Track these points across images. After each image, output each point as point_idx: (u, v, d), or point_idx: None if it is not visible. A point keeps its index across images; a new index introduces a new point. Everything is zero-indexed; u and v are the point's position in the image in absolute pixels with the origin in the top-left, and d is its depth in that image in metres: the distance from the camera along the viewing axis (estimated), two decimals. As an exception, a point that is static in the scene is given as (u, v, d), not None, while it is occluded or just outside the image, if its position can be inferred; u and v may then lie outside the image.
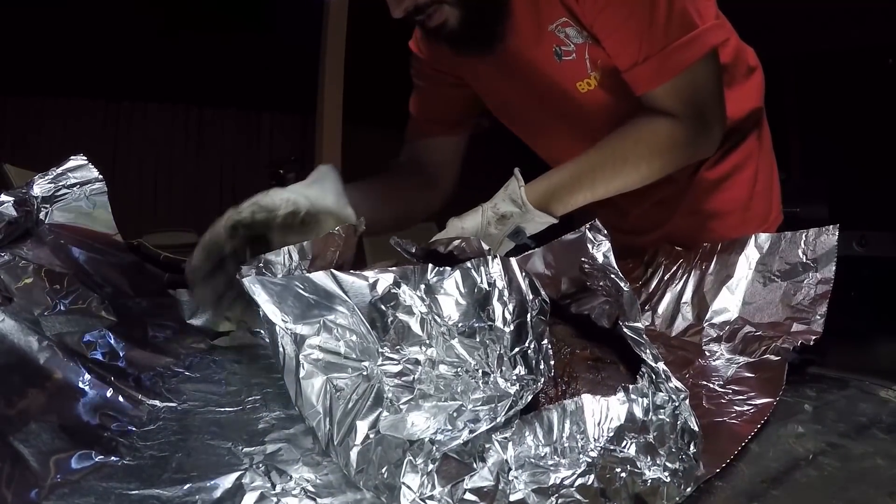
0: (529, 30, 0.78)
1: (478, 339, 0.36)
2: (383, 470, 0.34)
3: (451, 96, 0.96)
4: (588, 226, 0.53)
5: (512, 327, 0.37)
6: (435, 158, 1.00)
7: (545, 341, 0.37)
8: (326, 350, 0.40)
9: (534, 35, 0.79)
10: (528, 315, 0.38)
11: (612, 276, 0.47)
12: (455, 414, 0.34)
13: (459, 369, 0.36)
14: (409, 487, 0.32)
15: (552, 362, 0.38)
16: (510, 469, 0.32)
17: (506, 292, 0.38)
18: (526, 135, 0.97)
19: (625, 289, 0.44)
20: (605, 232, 0.51)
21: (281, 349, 0.43)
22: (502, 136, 1.00)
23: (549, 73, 0.81)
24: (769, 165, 0.98)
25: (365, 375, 0.38)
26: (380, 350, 0.38)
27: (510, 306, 0.38)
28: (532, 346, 0.37)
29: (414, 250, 0.76)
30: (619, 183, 0.75)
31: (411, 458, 0.33)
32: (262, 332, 0.57)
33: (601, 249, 0.50)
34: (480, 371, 0.36)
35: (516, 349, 0.36)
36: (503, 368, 0.35)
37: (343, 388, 0.38)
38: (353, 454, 0.36)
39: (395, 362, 0.36)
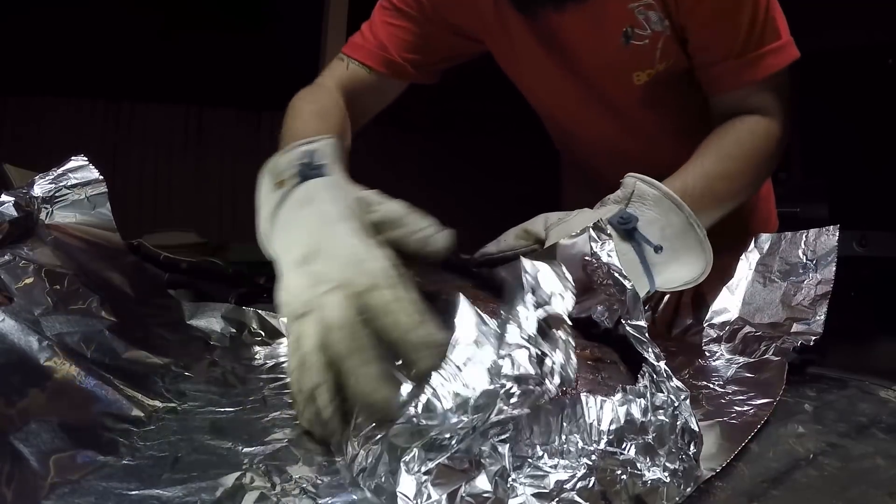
0: (599, 2, 0.71)
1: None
2: (381, 473, 0.34)
3: (442, 42, 0.85)
4: (592, 225, 0.53)
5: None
6: (366, 94, 0.87)
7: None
8: None
9: (603, 8, 0.71)
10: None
11: (616, 274, 0.47)
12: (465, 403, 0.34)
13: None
14: (405, 496, 0.32)
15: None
16: (509, 474, 0.32)
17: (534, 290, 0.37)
18: (547, 108, 0.90)
19: (628, 286, 0.44)
20: (609, 231, 0.51)
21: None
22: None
23: (609, 54, 0.73)
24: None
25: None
26: None
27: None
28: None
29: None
30: (743, 194, 0.68)
31: (408, 461, 0.32)
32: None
33: (605, 248, 0.50)
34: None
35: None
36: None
37: None
38: (363, 452, 0.36)
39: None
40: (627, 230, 0.53)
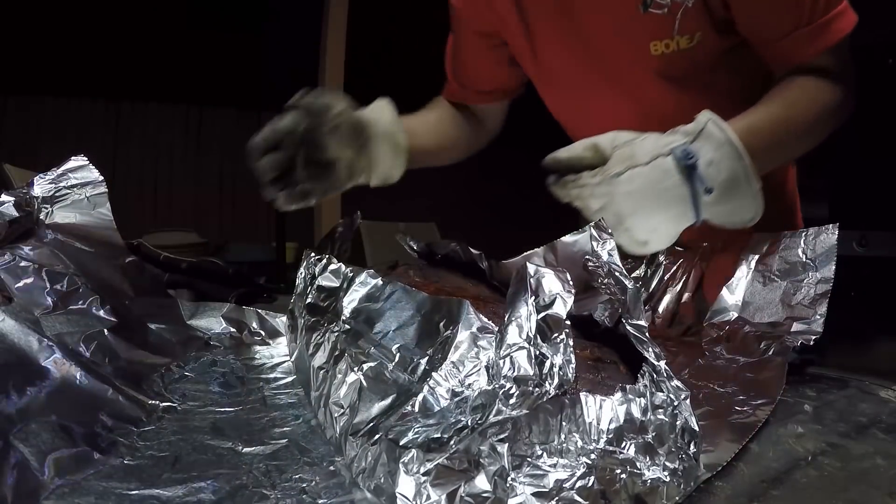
0: None
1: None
2: (380, 474, 0.34)
3: (494, 68, 0.91)
4: (593, 224, 0.53)
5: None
6: (477, 111, 0.98)
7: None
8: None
9: None
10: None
11: (617, 273, 0.47)
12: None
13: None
14: (404, 496, 0.32)
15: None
16: (508, 473, 0.32)
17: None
18: (564, 100, 0.90)
19: (629, 286, 0.44)
20: (610, 230, 0.51)
21: (319, 337, 0.44)
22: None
23: (623, 19, 0.72)
24: (793, 175, 0.93)
25: (401, 384, 0.38)
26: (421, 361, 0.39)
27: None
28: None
29: (416, 247, 0.76)
30: (806, 143, 0.68)
31: (407, 462, 0.32)
32: (296, 312, 0.57)
33: (606, 248, 0.50)
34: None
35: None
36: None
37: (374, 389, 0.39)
38: (363, 452, 0.36)
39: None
40: (688, 166, 0.55)
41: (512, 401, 0.33)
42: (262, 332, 0.69)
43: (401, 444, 0.33)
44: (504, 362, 0.34)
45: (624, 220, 0.57)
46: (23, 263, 0.52)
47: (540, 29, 0.81)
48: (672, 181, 0.55)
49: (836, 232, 0.63)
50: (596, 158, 0.59)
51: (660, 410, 0.35)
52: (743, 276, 0.68)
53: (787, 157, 0.66)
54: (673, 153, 0.55)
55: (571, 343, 0.35)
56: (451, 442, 0.32)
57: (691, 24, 0.70)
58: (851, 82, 0.69)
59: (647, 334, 0.40)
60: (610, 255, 0.49)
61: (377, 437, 0.36)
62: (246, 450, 0.42)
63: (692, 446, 0.36)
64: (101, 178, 0.63)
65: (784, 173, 0.89)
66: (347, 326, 0.46)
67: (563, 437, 0.33)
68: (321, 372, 0.46)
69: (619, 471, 0.33)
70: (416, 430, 0.34)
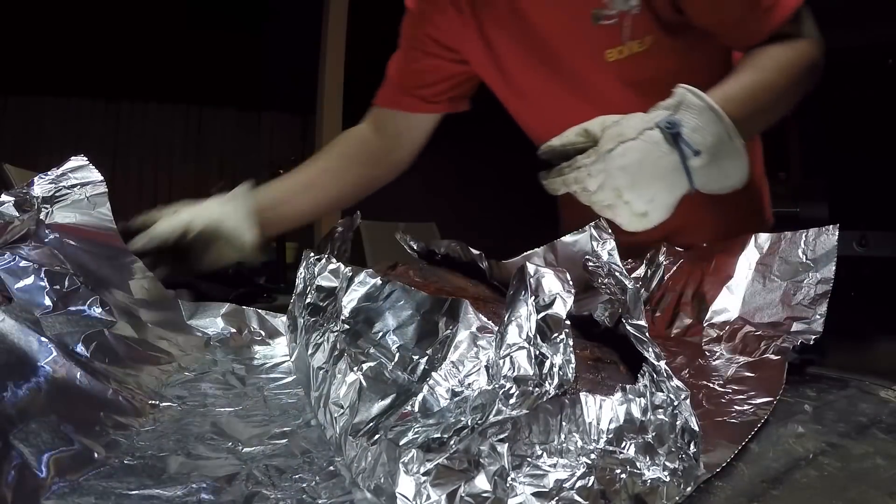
0: None
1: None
2: (380, 474, 0.34)
3: (443, 71, 0.93)
4: (593, 224, 0.53)
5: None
6: (403, 129, 0.98)
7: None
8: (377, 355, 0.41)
9: None
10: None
11: (617, 273, 0.47)
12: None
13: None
14: (404, 496, 0.32)
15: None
16: (508, 473, 0.32)
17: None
18: (527, 111, 0.93)
19: (629, 286, 0.44)
20: (610, 230, 0.51)
21: (318, 337, 0.44)
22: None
23: (578, 32, 0.77)
24: (760, 160, 0.96)
25: (400, 384, 0.38)
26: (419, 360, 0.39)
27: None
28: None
29: (416, 247, 0.76)
30: (783, 104, 0.70)
31: (407, 462, 0.32)
32: (295, 312, 0.57)
33: (606, 248, 0.50)
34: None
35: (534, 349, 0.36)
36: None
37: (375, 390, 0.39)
38: (362, 452, 0.36)
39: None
40: (673, 134, 0.58)
41: (512, 401, 0.32)
42: (262, 332, 0.70)
43: (401, 444, 0.33)
44: (504, 362, 0.34)
45: (623, 194, 0.58)
46: (23, 263, 0.52)
47: (501, 45, 0.86)
48: (662, 150, 0.58)
49: (837, 232, 0.63)
50: (588, 142, 0.62)
51: (660, 410, 0.35)
52: (743, 276, 0.68)
53: (765, 119, 0.69)
54: (658, 125, 0.58)
55: (571, 343, 0.35)
56: (451, 442, 0.32)
57: (639, 29, 0.74)
58: (816, 42, 0.72)
59: (647, 334, 0.40)
60: (610, 255, 0.49)
61: (377, 437, 0.36)
62: (246, 450, 0.42)
63: (692, 446, 0.36)
64: (101, 178, 0.63)
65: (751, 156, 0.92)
66: (347, 326, 0.46)
67: (563, 437, 0.33)
68: (321, 372, 0.46)
69: (619, 471, 0.33)
70: (416, 430, 0.34)
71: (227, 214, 0.82)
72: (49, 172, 0.62)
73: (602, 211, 0.61)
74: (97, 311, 0.54)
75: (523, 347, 0.34)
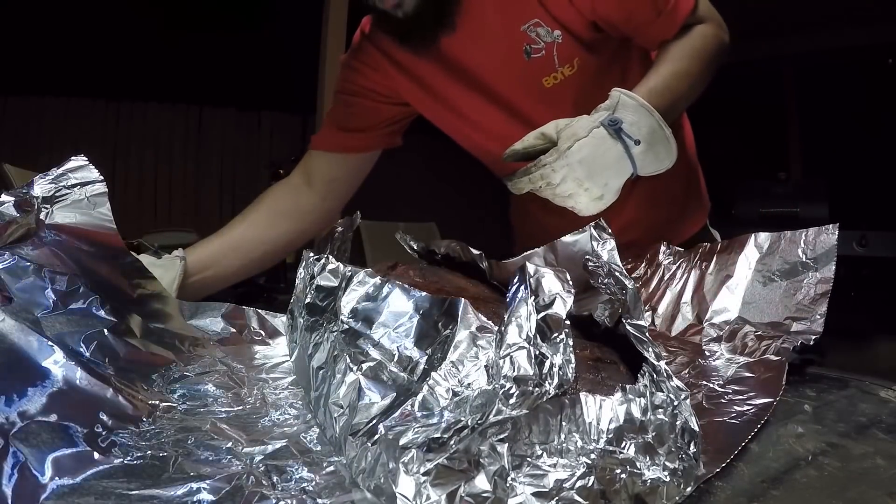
0: (494, 29, 0.85)
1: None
2: (380, 474, 0.34)
3: (382, 112, 0.98)
4: (592, 224, 0.53)
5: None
6: (338, 174, 1.01)
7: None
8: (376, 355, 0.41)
9: (500, 34, 0.85)
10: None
11: (617, 273, 0.47)
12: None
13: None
14: (404, 496, 0.32)
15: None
16: (508, 473, 0.32)
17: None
18: (472, 138, 0.99)
19: (629, 286, 0.44)
20: (610, 231, 0.51)
21: (318, 337, 0.44)
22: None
23: (515, 70, 0.87)
24: (691, 143, 1.06)
25: (400, 384, 0.38)
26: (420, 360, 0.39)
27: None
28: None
29: (416, 247, 0.76)
30: (699, 85, 0.79)
31: (407, 462, 0.32)
32: (295, 312, 0.57)
33: (606, 248, 0.50)
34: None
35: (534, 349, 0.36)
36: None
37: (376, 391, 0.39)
38: (362, 452, 0.36)
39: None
40: (615, 129, 0.67)
41: (512, 401, 0.32)
42: (262, 332, 0.69)
43: (401, 444, 0.33)
44: (504, 362, 0.34)
45: (583, 183, 0.66)
46: (23, 263, 0.52)
47: (437, 84, 0.93)
48: (608, 143, 0.66)
49: (836, 232, 0.63)
50: (546, 143, 0.69)
51: (660, 410, 0.35)
52: (743, 276, 0.68)
53: (685, 102, 0.78)
54: (602, 123, 0.67)
55: (571, 343, 0.35)
56: (451, 442, 0.32)
57: (567, 55, 0.85)
58: (718, 22, 0.84)
59: (647, 334, 0.40)
60: (610, 255, 0.49)
61: (377, 437, 0.36)
62: (246, 450, 0.42)
63: (692, 446, 0.36)
64: (101, 178, 0.63)
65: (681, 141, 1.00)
66: (346, 326, 0.46)
67: (563, 437, 0.33)
68: (320, 372, 0.46)
69: (619, 471, 0.33)
70: (416, 429, 0.34)
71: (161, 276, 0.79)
72: (49, 172, 0.62)
73: (563, 201, 0.68)
74: (97, 311, 0.54)
75: (523, 347, 0.34)
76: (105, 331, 0.53)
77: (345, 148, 0.99)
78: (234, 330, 0.69)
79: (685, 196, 1.05)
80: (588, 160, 0.66)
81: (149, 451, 0.41)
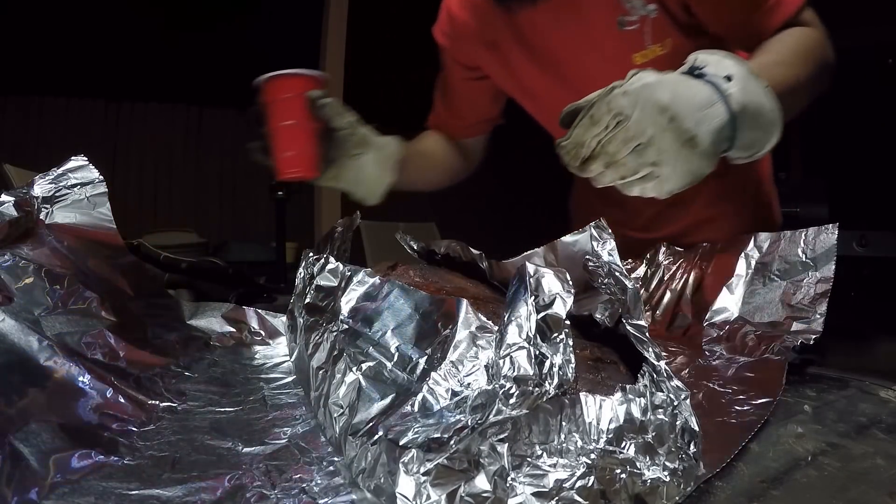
0: None
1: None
2: (380, 474, 0.34)
3: (476, 92, 1.00)
4: (593, 224, 0.53)
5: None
6: (463, 143, 1.07)
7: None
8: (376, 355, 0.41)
9: (590, 3, 0.80)
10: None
11: (617, 273, 0.47)
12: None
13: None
14: (404, 496, 0.32)
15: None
16: (508, 473, 0.32)
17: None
18: (549, 116, 0.98)
19: (629, 286, 0.44)
20: (610, 231, 0.51)
21: (318, 337, 0.44)
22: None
23: (606, 41, 0.81)
24: (768, 162, 1.00)
25: (400, 384, 0.38)
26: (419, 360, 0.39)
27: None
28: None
29: (416, 247, 0.76)
30: (802, 88, 0.65)
31: (407, 462, 0.32)
32: (295, 312, 0.57)
33: (606, 248, 0.50)
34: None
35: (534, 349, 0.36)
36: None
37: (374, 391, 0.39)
38: (362, 452, 0.36)
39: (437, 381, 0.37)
40: (697, 73, 0.55)
41: (512, 401, 0.32)
42: (262, 332, 0.69)
43: (401, 444, 0.33)
44: (504, 362, 0.34)
45: (668, 108, 0.52)
46: (23, 263, 0.52)
47: (515, 59, 0.91)
48: (692, 82, 0.54)
49: (836, 232, 0.63)
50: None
51: (660, 410, 0.35)
52: (743, 276, 0.68)
53: (790, 97, 0.62)
54: (682, 71, 0.56)
55: (571, 343, 0.35)
56: (451, 442, 0.32)
57: (660, 33, 0.78)
58: (825, 34, 0.71)
59: (647, 334, 0.40)
60: (610, 255, 0.49)
61: (377, 436, 0.36)
62: (246, 450, 0.42)
63: (692, 446, 0.36)
64: (101, 178, 0.63)
65: (759, 167, 0.96)
66: (346, 326, 0.46)
67: (563, 437, 0.33)
68: (320, 372, 0.46)
69: (619, 471, 0.33)
70: (416, 429, 0.34)
71: (385, 143, 0.85)
72: (49, 172, 0.62)
73: (641, 157, 0.52)
74: (97, 311, 0.54)
75: (523, 347, 0.34)
76: (105, 331, 0.53)
77: (450, 132, 1.05)
78: (234, 330, 0.69)
79: (755, 205, 0.96)
80: (669, 84, 0.53)
81: (149, 452, 0.41)
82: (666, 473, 0.34)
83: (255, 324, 0.70)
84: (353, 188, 0.85)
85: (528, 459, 0.32)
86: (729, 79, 0.54)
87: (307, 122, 0.76)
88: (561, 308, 0.36)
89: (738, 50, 0.76)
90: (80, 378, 0.45)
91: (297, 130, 0.76)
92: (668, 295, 0.74)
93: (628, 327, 0.41)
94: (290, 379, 0.57)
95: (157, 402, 0.49)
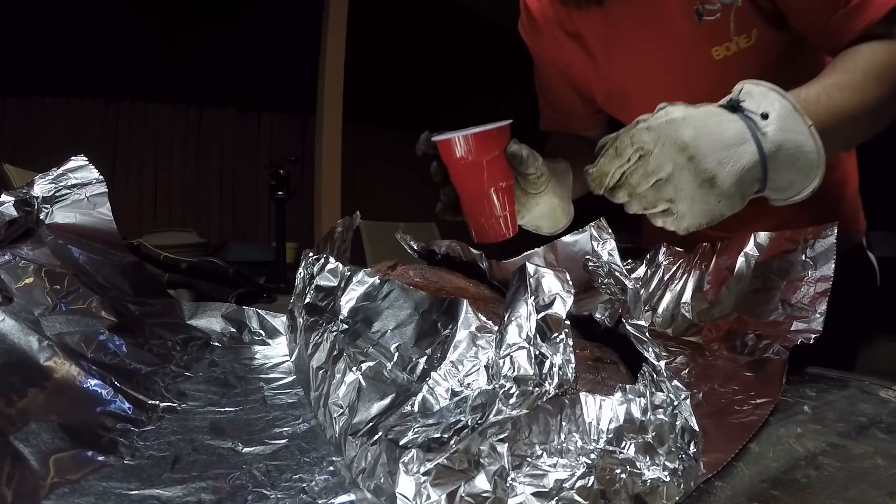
0: None
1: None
2: (380, 474, 0.34)
3: (567, 90, 0.93)
4: (593, 224, 0.53)
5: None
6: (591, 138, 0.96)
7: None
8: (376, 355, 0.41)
9: None
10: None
11: (617, 273, 0.47)
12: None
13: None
14: (404, 496, 0.32)
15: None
16: (508, 473, 0.32)
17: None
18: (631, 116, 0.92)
19: (629, 286, 0.44)
20: (610, 231, 0.51)
21: (317, 337, 0.44)
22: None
23: (681, 34, 0.74)
24: (854, 166, 0.91)
25: (399, 384, 0.38)
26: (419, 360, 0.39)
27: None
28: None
29: (416, 247, 0.76)
30: (871, 107, 0.60)
31: (407, 462, 0.32)
32: (295, 311, 0.57)
33: (606, 248, 0.50)
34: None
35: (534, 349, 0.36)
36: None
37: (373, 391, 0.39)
38: (362, 452, 0.36)
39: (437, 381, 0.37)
40: (734, 106, 0.53)
41: (512, 401, 0.32)
42: (262, 332, 0.69)
43: (401, 444, 0.33)
44: (504, 362, 0.34)
45: (687, 147, 0.51)
46: (23, 263, 0.52)
47: (598, 54, 0.84)
48: (723, 114, 0.52)
49: (835, 231, 0.63)
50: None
51: (660, 410, 0.35)
52: (743, 276, 0.68)
53: (849, 125, 0.59)
54: (720, 105, 0.53)
55: (571, 343, 0.35)
56: (451, 442, 0.32)
57: (745, 23, 0.70)
58: None
59: (647, 334, 0.40)
60: (610, 255, 0.49)
61: (377, 437, 0.36)
62: (246, 450, 0.42)
63: (692, 446, 0.36)
64: (101, 178, 0.63)
65: (842, 179, 0.88)
66: (346, 326, 0.46)
67: (563, 437, 0.33)
68: (320, 372, 0.46)
69: (619, 471, 0.33)
70: (416, 429, 0.34)
71: (562, 171, 0.76)
72: (49, 172, 0.62)
73: (659, 192, 0.52)
74: (97, 311, 0.54)
75: (523, 347, 0.34)
76: (105, 331, 0.53)
77: (564, 126, 0.97)
78: (234, 330, 0.69)
79: (838, 211, 0.87)
80: (695, 119, 0.52)
81: (149, 452, 0.41)
82: (666, 473, 0.34)
83: (255, 324, 0.70)
84: (538, 223, 0.75)
85: (528, 459, 0.32)
86: (765, 116, 0.52)
87: (511, 179, 0.67)
88: (561, 308, 0.36)
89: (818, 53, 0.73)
90: (80, 378, 0.45)
91: (508, 190, 0.66)
92: (668, 295, 0.74)
93: (628, 327, 0.41)
94: (290, 379, 0.57)
95: (157, 402, 0.49)
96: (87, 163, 0.63)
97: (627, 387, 0.35)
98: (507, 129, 0.64)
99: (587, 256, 0.54)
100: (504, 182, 0.65)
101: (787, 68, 0.70)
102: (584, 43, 0.84)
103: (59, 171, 0.62)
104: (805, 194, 0.54)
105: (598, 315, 0.56)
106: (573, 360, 0.34)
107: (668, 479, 0.34)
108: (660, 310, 0.73)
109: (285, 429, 0.46)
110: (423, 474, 0.32)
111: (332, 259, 0.52)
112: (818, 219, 0.72)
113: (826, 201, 0.75)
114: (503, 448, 0.32)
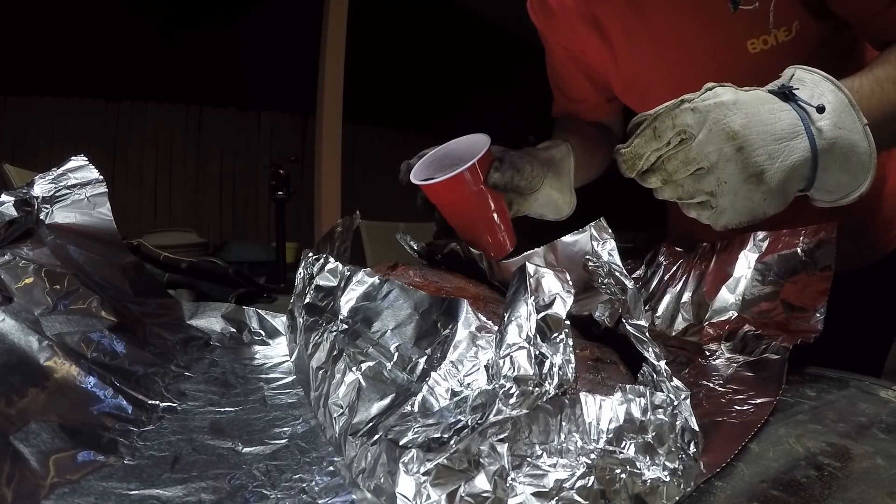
0: None
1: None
2: (380, 474, 0.34)
3: (579, 77, 0.90)
4: (593, 224, 0.53)
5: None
6: (605, 124, 0.95)
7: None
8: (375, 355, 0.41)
9: None
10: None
11: (617, 273, 0.47)
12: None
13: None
14: (404, 496, 0.32)
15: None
16: (508, 473, 0.32)
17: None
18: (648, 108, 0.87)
19: (629, 286, 0.44)
20: (610, 231, 0.51)
21: (317, 337, 0.44)
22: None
23: (715, 26, 0.68)
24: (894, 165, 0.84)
25: (399, 384, 0.39)
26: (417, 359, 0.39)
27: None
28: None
29: (416, 247, 0.76)
30: None
31: (407, 462, 0.32)
32: (295, 311, 0.57)
33: (606, 248, 0.50)
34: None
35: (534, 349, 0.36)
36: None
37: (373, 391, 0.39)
38: (362, 452, 0.36)
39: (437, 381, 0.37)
40: (786, 93, 0.49)
41: (512, 400, 0.32)
42: (262, 332, 0.69)
43: (400, 444, 0.33)
44: (504, 362, 0.34)
45: (737, 136, 0.46)
46: (23, 263, 0.52)
47: (618, 42, 0.80)
48: (776, 102, 0.48)
49: (835, 230, 0.63)
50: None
51: (660, 410, 0.35)
52: (743, 276, 0.68)
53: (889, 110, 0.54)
54: (770, 90, 0.49)
55: (571, 343, 0.35)
56: (451, 442, 0.32)
57: (787, 14, 0.65)
58: None
59: (647, 334, 0.40)
60: (610, 255, 0.49)
61: (377, 437, 0.36)
62: (246, 450, 0.42)
63: (692, 446, 0.36)
64: (101, 178, 0.63)
65: (880, 178, 0.80)
66: (345, 326, 0.46)
67: (563, 436, 0.33)
68: (320, 372, 0.46)
69: (619, 471, 0.33)
70: (416, 429, 0.34)
71: (558, 160, 0.75)
72: (49, 172, 0.62)
73: (698, 184, 0.48)
74: (97, 311, 0.54)
75: (523, 347, 0.34)
76: (105, 331, 0.53)
77: (577, 113, 0.94)
78: (234, 330, 0.69)
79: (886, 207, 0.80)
80: (747, 106, 0.47)
81: (149, 452, 0.41)
82: (666, 473, 0.34)
83: (255, 324, 0.70)
84: (540, 212, 0.76)
85: (528, 459, 0.32)
86: (821, 109, 0.48)
87: (502, 200, 0.67)
88: (561, 308, 0.36)
89: (865, 45, 0.68)
90: (81, 378, 0.45)
91: (500, 211, 0.67)
92: (668, 295, 0.73)
93: (628, 327, 0.41)
94: (290, 379, 0.57)
95: (157, 402, 0.49)
96: (87, 163, 0.63)
97: (627, 387, 0.35)
98: (488, 155, 0.63)
99: (587, 256, 0.54)
100: (493, 204, 0.66)
101: (830, 65, 0.64)
102: (602, 28, 0.79)
103: (59, 171, 0.62)
104: (853, 198, 0.51)
105: (598, 315, 0.56)
106: (573, 360, 0.34)
107: (668, 479, 0.34)
108: (660, 310, 0.73)
109: (285, 429, 0.46)
110: (423, 474, 0.32)
111: (331, 259, 0.52)
112: (856, 219, 0.67)
113: (863, 201, 0.67)
114: (503, 448, 0.32)
